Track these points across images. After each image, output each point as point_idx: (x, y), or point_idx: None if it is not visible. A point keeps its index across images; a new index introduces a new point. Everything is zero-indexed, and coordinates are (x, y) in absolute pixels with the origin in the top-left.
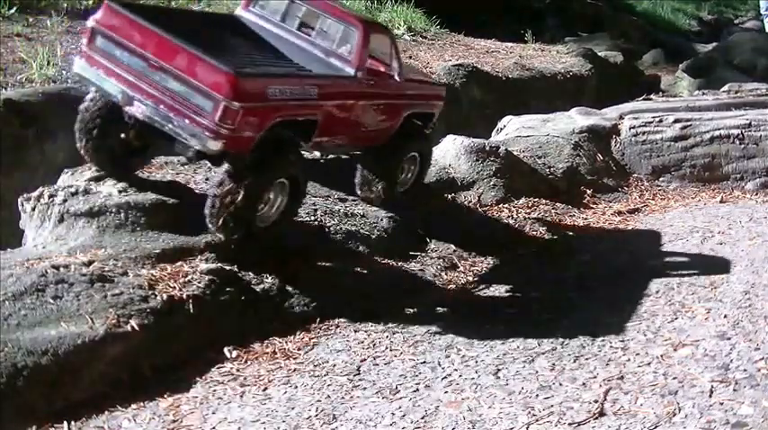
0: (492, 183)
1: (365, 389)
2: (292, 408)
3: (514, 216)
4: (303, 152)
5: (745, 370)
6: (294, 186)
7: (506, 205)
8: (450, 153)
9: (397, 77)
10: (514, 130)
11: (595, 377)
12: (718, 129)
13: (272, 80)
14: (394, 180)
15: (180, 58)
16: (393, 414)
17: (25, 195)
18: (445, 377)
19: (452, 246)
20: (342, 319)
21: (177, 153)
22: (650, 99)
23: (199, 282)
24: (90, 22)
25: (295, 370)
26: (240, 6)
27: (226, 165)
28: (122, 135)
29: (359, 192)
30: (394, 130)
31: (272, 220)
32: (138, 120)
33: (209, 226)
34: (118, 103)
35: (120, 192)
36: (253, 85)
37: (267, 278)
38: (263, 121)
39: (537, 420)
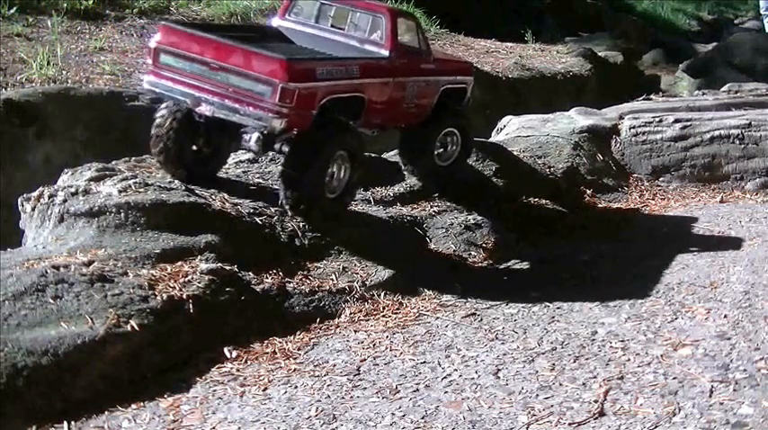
0: (492, 183)
1: (365, 389)
2: (292, 408)
3: (514, 216)
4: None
5: (745, 370)
6: (353, 159)
7: (506, 205)
8: None
9: (425, 56)
10: (514, 130)
11: (595, 377)
12: (718, 129)
13: (319, 63)
14: (431, 151)
15: (236, 56)
16: (393, 414)
17: (25, 195)
18: (445, 377)
19: (452, 246)
20: (342, 319)
21: (244, 149)
22: (650, 99)
23: (199, 282)
24: (151, 44)
25: (295, 370)
26: (276, 17)
27: (289, 150)
28: (193, 144)
29: (403, 167)
30: (432, 106)
31: (339, 191)
32: (207, 120)
33: (285, 206)
34: (188, 107)
35: (120, 192)
36: (303, 67)
37: (267, 278)
38: (316, 98)
39: (537, 420)
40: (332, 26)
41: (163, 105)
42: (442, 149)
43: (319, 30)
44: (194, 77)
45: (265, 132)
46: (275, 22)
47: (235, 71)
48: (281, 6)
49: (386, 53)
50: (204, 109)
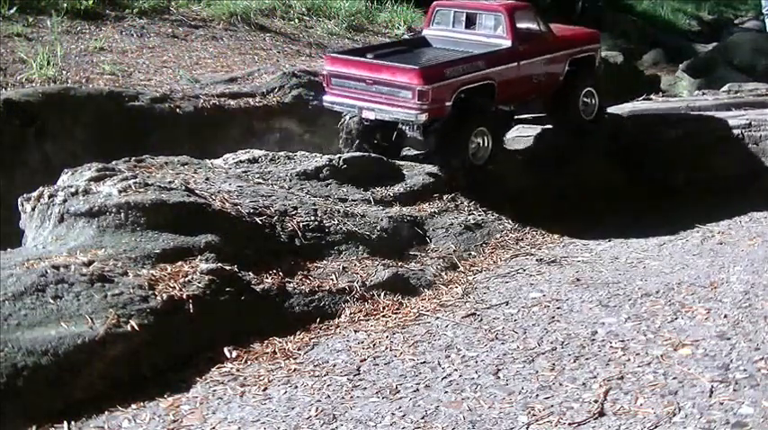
0: (492, 183)
1: (365, 389)
2: (292, 408)
3: (515, 217)
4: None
5: (745, 370)
6: (493, 132)
7: (506, 205)
8: None
9: (545, 36)
10: (515, 130)
11: (595, 377)
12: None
13: (447, 65)
14: (576, 109)
15: (383, 71)
16: (393, 414)
17: (25, 195)
18: (445, 377)
19: (452, 245)
20: (342, 319)
21: (410, 141)
22: (650, 99)
23: (199, 282)
24: (324, 71)
25: (295, 370)
26: (423, 28)
27: (437, 130)
28: (374, 139)
29: (556, 122)
30: (562, 75)
31: (484, 159)
32: (374, 122)
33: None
34: (356, 114)
35: (120, 192)
36: (433, 71)
37: (267, 278)
38: (449, 94)
39: (537, 420)
40: (466, 28)
41: (345, 115)
42: (584, 106)
43: (457, 32)
44: (357, 92)
45: (419, 126)
46: (424, 32)
47: (384, 82)
48: (426, 19)
49: (509, 43)
50: (368, 114)
